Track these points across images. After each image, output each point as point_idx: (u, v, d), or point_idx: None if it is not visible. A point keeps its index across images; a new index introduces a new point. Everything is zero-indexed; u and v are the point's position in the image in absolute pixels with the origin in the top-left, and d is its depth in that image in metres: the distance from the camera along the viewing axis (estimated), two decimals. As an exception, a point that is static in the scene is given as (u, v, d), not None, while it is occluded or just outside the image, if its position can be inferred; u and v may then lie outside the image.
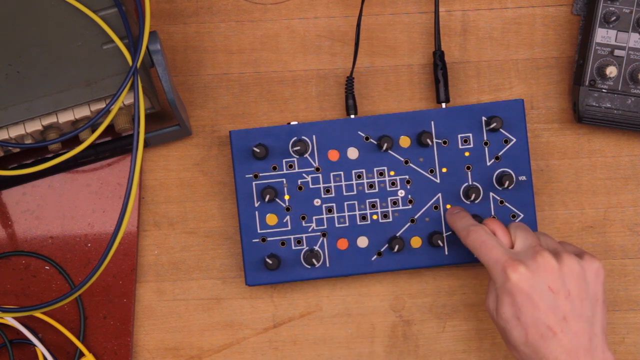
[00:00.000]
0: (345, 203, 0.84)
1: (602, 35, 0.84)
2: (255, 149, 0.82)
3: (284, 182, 0.84)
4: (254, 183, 0.83)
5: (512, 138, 0.84)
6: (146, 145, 0.85)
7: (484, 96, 0.87)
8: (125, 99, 0.78)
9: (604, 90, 0.84)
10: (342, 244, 0.84)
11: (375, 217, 0.84)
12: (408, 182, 0.84)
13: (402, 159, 0.84)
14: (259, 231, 0.83)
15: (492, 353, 0.87)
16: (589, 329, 0.74)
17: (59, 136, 0.78)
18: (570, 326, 0.73)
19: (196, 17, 0.87)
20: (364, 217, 0.84)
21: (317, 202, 0.84)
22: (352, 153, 0.84)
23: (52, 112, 0.77)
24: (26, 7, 0.77)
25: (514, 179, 0.84)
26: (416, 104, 0.87)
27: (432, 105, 0.87)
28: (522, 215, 0.84)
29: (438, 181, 0.84)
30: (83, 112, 0.78)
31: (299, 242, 0.84)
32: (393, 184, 0.84)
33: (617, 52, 0.83)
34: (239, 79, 0.87)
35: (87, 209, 0.86)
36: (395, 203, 0.84)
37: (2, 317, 0.83)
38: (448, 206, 0.84)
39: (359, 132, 0.84)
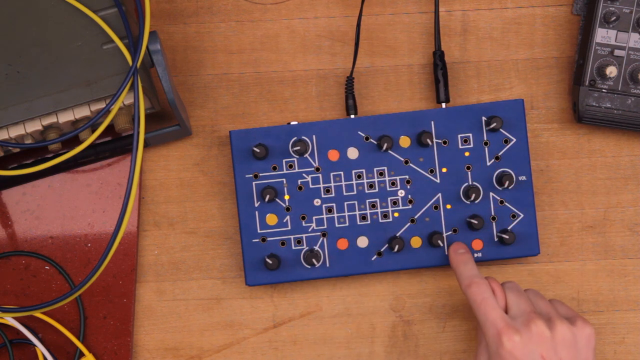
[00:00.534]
0: (345, 203, 0.84)
1: (602, 35, 0.84)
2: (255, 149, 0.82)
3: (284, 182, 0.84)
4: (254, 183, 0.83)
5: (512, 138, 0.84)
6: (146, 145, 0.85)
7: (484, 96, 0.87)
8: (125, 99, 0.78)
9: (604, 90, 0.84)
10: (342, 244, 0.84)
11: (375, 217, 0.84)
12: (408, 182, 0.84)
13: (402, 159, 0.84)
14: (259, 231, 0.83)
15: (492, 353, 0.87)
16: None
17: (59, 136, 0.78)
18: None
19: (196, 17, 0.87)
20: (364, 217, 0.84)
21: (317, 202, 0.84)
22: (352, 153, 0.84)
23: (52, 112, 0.77)
24: (26, 7, 0.77)
25: (514, 179, 0.84)
26: (416, 104, 0.87)
27: (432, 105, 0.87)
28: (522, 215, 0.84)
29: (438, 181, 0.84)
30: (83, 112, 0.78)
31: (299, 242, 0.84)
32: (393, 184, 0.84)
33: (617, 52, 0.83)
34: (239, 79, 0.87)
35: (87, 209, 0.86)
36: (395, 203, 0.84)
37: (2, 317, 0.83)
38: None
39: (359, 132, 0.84)
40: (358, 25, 0.84)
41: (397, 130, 0.84)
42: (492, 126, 0.83)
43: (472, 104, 0.86)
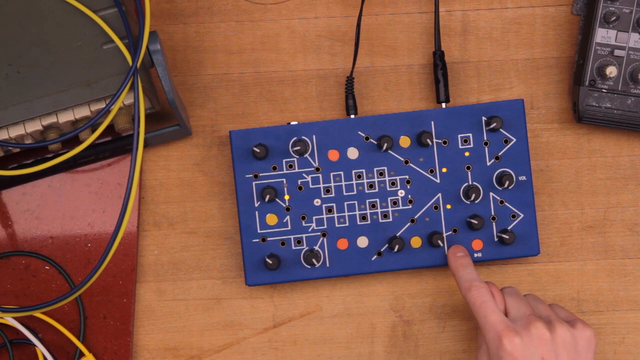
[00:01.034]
0: (345, 203, 0.84)
1: (602, 35, 0.84)
2: (255, 149, 0.82)
3: (284, 182, 0.84)
4: (254, 183, 0.83)
5: (512, 138, 0.84)
6: (146, 145, 0.85)
7: (484, 96, 0.87)
8: (125, 99, 0.78)
9: (604, 90, 0.84)
10: (342, 244, 0.84)
11: (375, 217, 0.84)
12: (408, 182, 0.84)
13: (402, 159, 0.84)
14: (259, 231, 0.83)
15: (492, 353, 0.87)
16: None
17: (59, 136, 0.78)
18: None
19: (196, 17, 0.87)
20: (364, 217, 0.84)
21: (317, 202, 0.84)
22: (352, 153, 0.84)
23: (52, 112, 0.77)
24: (26, 7, 0.77)
25: (514, 179, 0.84)
26: (416, 104, 0.87)
27: (432, 105, 0.87)
28: (522, 215, 0.84)
29: (438, 181, 0.84)
30: (83, 112, 0.78)
31: (299, 242, 0.84)
32: (393, 184, 0.84)
33: (617, 52, 0.83)
34: (239, 79, 0.87)
35: (87, 209, 0.86)
36: (395, 203, 0.84)
37: (2, 317, 0.83)
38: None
39: (359, 132, 0.84)
40: (358, 25, 0.84)
41: (397, 130, 0.84)
42: (492, 126, 0.83)
43: (472, 104, 0.86)
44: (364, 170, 0.84)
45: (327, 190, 0.84)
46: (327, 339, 0.87)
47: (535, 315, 0.77)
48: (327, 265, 0.84)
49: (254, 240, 0.83)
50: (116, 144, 0.84)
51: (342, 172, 0.84)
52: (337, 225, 0.84)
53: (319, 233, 0.84)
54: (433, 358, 0.87)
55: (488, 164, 0.84)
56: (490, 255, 0.84)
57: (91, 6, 0.77)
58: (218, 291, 0.86)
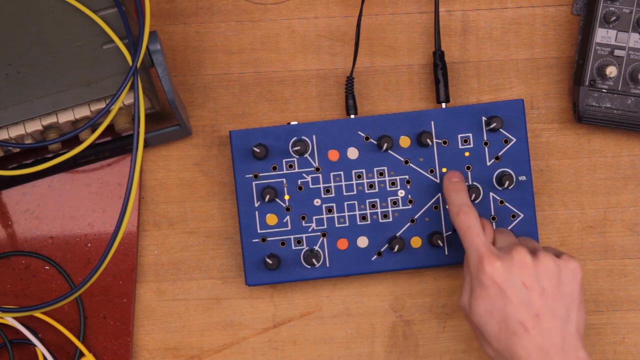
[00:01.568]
0: (345, 203, 0.84)
1: (602, 35, 0.84)
2: (255, 149, 0.82)
3: (284, 182, 0.84)
4: (254, 183, 0.83)
5: (512, 138, 0.84)
6: (146, 145, 0.85)
7: (484, 96, 0.87)
8: (125, 99, 0.78)
9: (604, 90, 0.84)
10: (342, 244, 0.84)
11: (375, 217, 0.84)
12: (408, 182, 0.84)
13: (402, 159, 0.84)
14: (259, 231, 0.84)
15: (492, 353, 0.87)
16: (562, 328, 0.74)
17: (59, 136, 0.78)
18: (543, 323, 0.74)
19: (196, 17, 0.87)
20: (364, 217, 0.84)
21: (317, 202, 0.84)
22: (352, 153, 0.84)
23: (52, 112, 0.77)
24: (26, 7, 0.77)
25: (514, 179, 0.84)
26: (416, 104, 0.87)
27: (432, 105, 0.87)
28: (522, 215, 0.84)
29: (438, 181, 0.84)
30: (83, 112, 0.78)
31: (299, 242, 0.84)
32: (393, 184, 0.84)
33: (617, 52, 0.83)
34: (239, 79, 0.87)
35: (87, 209, 0.86)
36: (395, 203, 0.84)
37: (2, 317, 0.83)
38: (444, 169, 0.83)
39: (359, 132, 0.84)
40: (358, 25, 0.84)
41: (397, 130, 0.84)
42: (492, 126, 0.83)
43: (472, 104, 0.86)
44: (364, 170, 0.84)
45: (327, 190, 0.84)
46: (327, 339, 0.87)
47: (520, 244, 0.76)
48: (327, 265, 0.84)
49: (254, 240, 0.83)
50: (116, 144, 0.84)
51: (342, 172, 0.84)
52: (337, 225, 0.84)
53: (319, 233, 0.84)
54: (433, 358, 0.87)
55: (488, 164, 0.84)
56: (490, 255, 0.84)
57: (91, 6, 0.77)
58: (218, 291, 0.86)
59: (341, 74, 0.87)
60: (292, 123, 0.83)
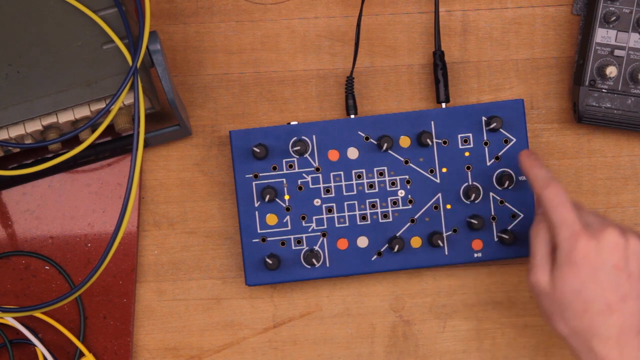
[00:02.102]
0: (345, 203, 0.84)
1: (602, 35, 0.84)
2: (255, 149, 0.82)
3: (284, 182, 0.84)
4: (254, 183, 0.83)
5: (512, 138, 0.84)
6: (146, 145, 0.85)
7: (484, 96, 0.87)
8: (125, 99, 0.78)
9: (604, 90, 0.84)
10: (342, 244, 0.84)
11: (375, 217, 0.84)
12: (408, 182, 0.84)
13: (402, 159, 0.84)
14: (259, 231, 0.84)
15: (492, 353, 0.87)
16: None
17: (59, 136, 0.78)
18: (628, 306, 0.73)
19: (196, 17, 0.87)
20: (364, 217, 0.84)
21: (317, 202, 0.84)
22: (352, 153, 0.84)
23: (52, 112, 0.77)
24: (26, 7, 0.77)
25: (514, 179, 0.84)
26: (416, 104, 0.87)
27: (432, 105, 0.87)
28: (522, 216, 0.84)
29: (438, 181, 0.84)
30: (83, 112, 0.78)
31: (299, 242, 0.84)
32: (393, 184, 0.84)
33: (617, 52, 0.83)
34: (239, 79, 0.87)
35: (87, 209, 0.86)
36: (395, 203, 0.84)
37: (2, 317, 0.83)
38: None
39: (359, 132, 0.84)
40: (358, 25, 0.84)
41: (397, 130, 0.84)
42: (492, 126, 0.83)
43: (472, 104, 0.86)
44: (364, 170, 0.84)
45: (327, 190, 0.84)
46: (327, 339, 0.87)
47: (609, 221, 0.75)
48: (327, 265, 0.84)
49: (254, 240, 0.83)
50: (116, 144, 0.84)
51: (342, 172, 0.84)
52: (337, 225, 0.84)
53: (319, 233, 0.84)
54: (433, 358, 0.87)
55: (488, 164, 0.84)
56: (490, 255, 0.84)
57: (91, 6, 0.77)
58: (218, 291, 0.86)
59: (341, 74, 0.87)
60: (292, 123, 0.83)
